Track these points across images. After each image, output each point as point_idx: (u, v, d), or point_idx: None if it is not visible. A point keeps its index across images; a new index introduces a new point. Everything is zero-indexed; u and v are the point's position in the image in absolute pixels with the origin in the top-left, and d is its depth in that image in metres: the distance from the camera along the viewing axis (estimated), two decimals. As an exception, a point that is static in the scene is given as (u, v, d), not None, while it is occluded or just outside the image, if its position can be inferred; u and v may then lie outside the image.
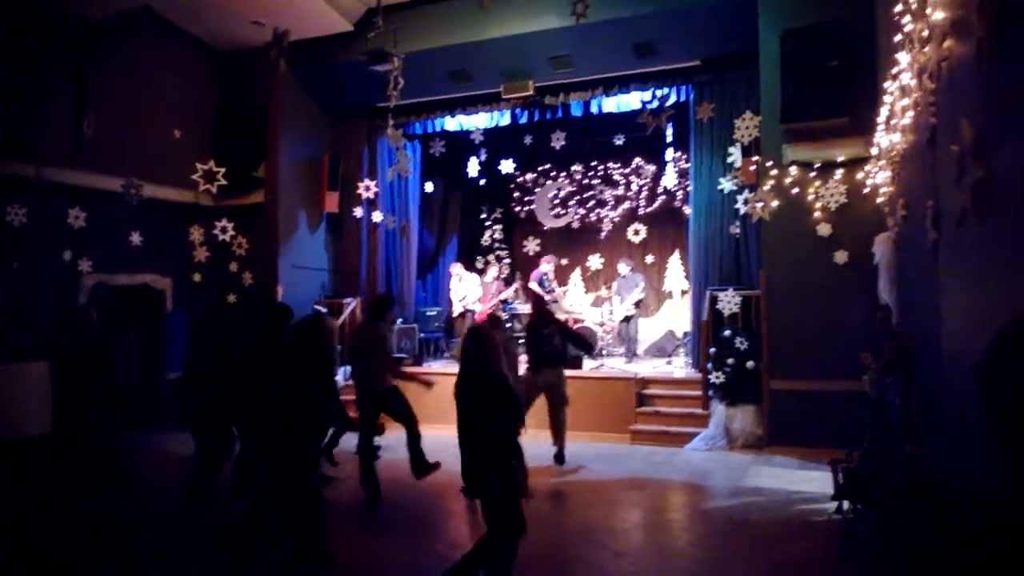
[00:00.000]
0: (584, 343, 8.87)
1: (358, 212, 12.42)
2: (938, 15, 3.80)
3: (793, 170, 8.68)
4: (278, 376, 4.78)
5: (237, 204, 11.49)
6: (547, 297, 12.86)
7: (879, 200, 7.76)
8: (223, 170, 9.58)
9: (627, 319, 11.94)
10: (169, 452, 8.92)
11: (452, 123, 12.51)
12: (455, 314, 13.05)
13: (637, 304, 11.96)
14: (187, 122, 11.15)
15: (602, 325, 12.24)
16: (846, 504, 5.79)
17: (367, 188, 12.17)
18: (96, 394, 7.87)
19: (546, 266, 13.08)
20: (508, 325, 12.31)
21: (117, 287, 10.10)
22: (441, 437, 9.66)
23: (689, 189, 11.13)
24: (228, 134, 11.55)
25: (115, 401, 8.06)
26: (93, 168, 9.62)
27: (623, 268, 12.29)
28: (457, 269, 13.23)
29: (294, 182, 11.79)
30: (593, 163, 15.18)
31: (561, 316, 12.98)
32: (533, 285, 12.97)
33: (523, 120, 11.99)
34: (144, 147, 10.41)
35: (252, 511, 5.14)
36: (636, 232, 14.44)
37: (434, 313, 13.28)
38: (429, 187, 13.82)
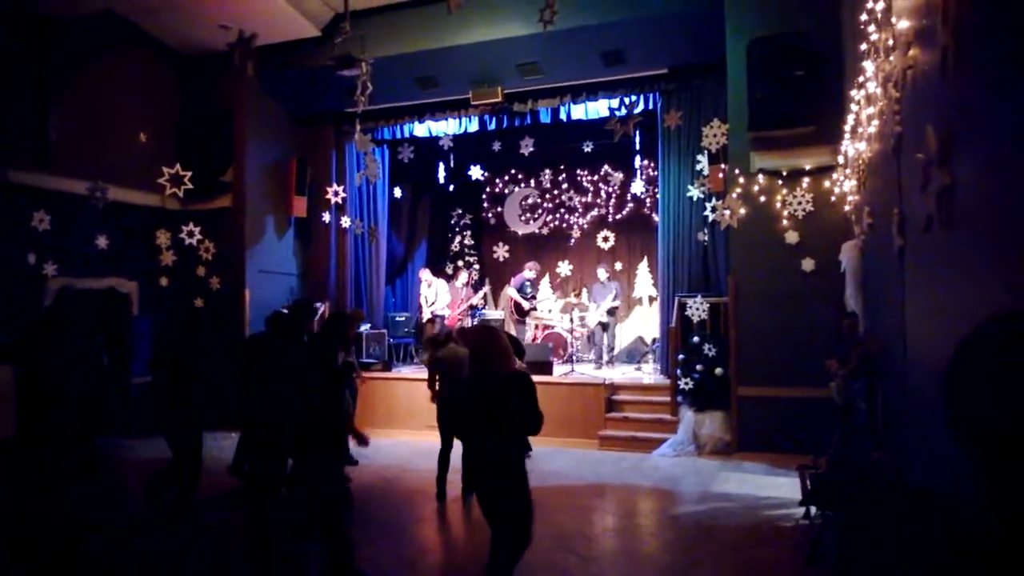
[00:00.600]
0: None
1: (326, 217, 12.33)
2: (903, 24, 3.84)
3: (760, 178, 8.76)
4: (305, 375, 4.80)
5: (204, 208, 11.38)
6: (525, 304, 12.91)
7: (846, 208, 7.85)
8: (189, 174, 9.45)
9: (603, 326, 12.03)
10: (137, 456, 8.84)
11: (421, 129, 12.45)
12: (424, 320, 12.99)
13: (611, 312, 12.00)
14: (153, 125, 11.01)
15: (572, 331, 12.25)
16: (814, 510, 5.83)
17: (335, 193, 12.07)
18: (59, 398, 7.74)
19: (529, 272, 13.12)
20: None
21: (83, 291, 9.94)
22: (411, 443, 9.66)
23: (657, 196, 11.17)
24: (194, 138, 11.42)
25: (78, 405, 7.94)
26: (58, 170, 9.47)
27: (601, 274, 12.37)
28: (426, 275, 13.19)
29: (261, 186, 11.67)
30: (562, 170, 15.21)
31: (532, 322, 13.09)
32: (511, 291, 13.00)
33: (492, 126, 11.97)
34: (110, 150, 10.26)
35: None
36: (605, 239, 14.49)
37: (403, 319, 13.21)
38: (398, 192, 13.74)
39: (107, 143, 10.27)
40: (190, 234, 10.66)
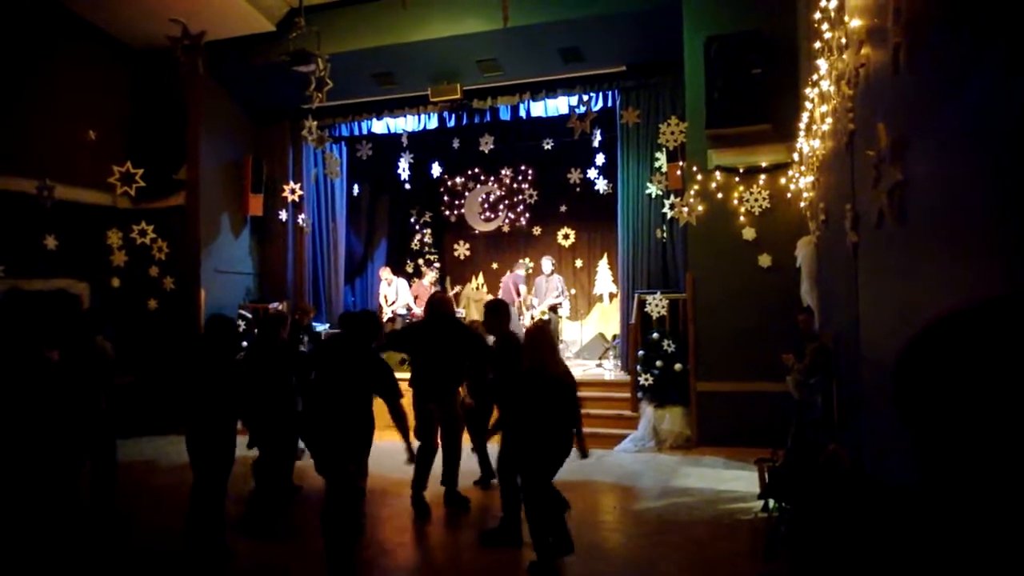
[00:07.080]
0: None
1: (283, 215, 12.17)
2: (856, 22, 3.88)
3: (718, 175, 8.84)
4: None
5: (157, 207, 11.14)
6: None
7: (801, 204, 7.96)
8: (141, 171, 9.25)
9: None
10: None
11: (379, 125, 12.33)
12: (384, 319, 12.89)
13: (553, 309, 11.67)
14: (103, 122, 10.72)
15: (531, 329, 12.17)
16: (772, 502, 5.89)
17: (292, 191, 11.93)
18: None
19: (520, 271, 12.97)
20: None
21: (31, 293, 9.66)
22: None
23: (617, 193, 11.19)
24: (146, 135, 11.20)
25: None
26: (3, 169, 9.20)
27: (546, 265, 12.08)
28: (386, 273, 13.08)
29: (216, 184, 11.46)
30: (522, 167, 15.21)
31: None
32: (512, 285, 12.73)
33: (451, 123, 11.91)
34: (57, 147, 9.98)
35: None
36: (566, 236, 14.52)
37: (363, 318, 13.06)
38: (356, 190, 13.62)
39: (55, 140, 9.98)
40: (142, 233, 10.44)
